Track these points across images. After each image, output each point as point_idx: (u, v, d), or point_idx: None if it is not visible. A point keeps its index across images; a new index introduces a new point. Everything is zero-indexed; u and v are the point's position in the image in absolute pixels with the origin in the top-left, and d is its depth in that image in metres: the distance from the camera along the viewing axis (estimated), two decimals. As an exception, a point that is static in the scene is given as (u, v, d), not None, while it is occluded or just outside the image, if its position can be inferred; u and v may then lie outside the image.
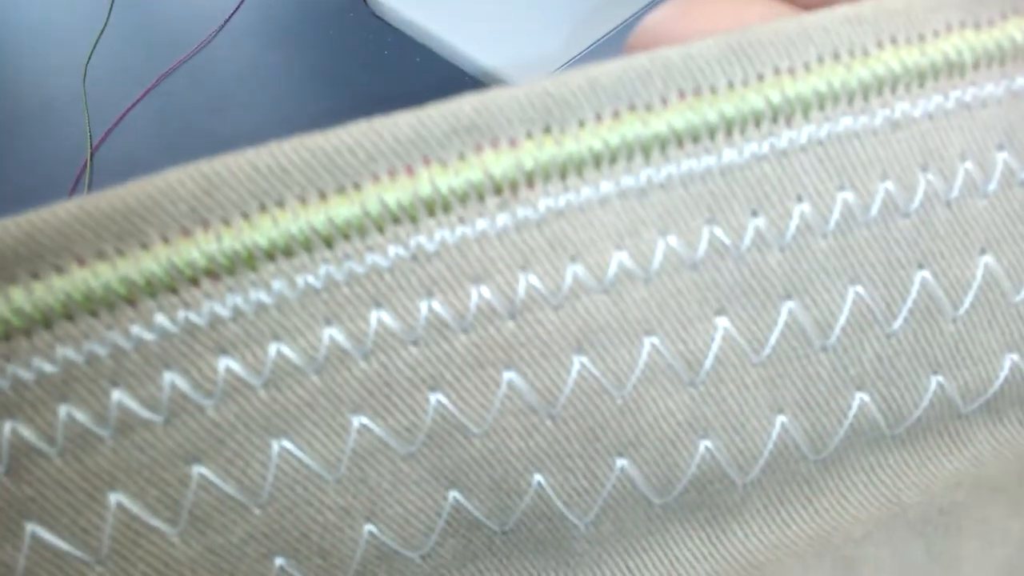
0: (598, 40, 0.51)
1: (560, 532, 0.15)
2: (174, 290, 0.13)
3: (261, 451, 0.14)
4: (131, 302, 0.13)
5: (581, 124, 0.14)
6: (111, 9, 0.45)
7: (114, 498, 0.13)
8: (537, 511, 0.15)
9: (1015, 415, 0.16)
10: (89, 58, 0.42)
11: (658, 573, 0.16)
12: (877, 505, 0.16)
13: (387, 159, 0.13)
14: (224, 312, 0.13)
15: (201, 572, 0.14)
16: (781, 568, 0.16)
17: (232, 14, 0.46)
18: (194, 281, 0.13)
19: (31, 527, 0.13)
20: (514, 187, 0.14)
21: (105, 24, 0.44)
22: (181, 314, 0.13)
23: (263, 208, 0.13)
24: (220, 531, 0.14)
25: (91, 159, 0.37)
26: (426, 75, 0.49)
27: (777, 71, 0.14)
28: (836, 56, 0.15)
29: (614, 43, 0.51)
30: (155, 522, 0.14)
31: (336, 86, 0.46)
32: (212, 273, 0.13)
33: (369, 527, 0.15)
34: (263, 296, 0.13)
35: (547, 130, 0.14)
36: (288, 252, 0.13)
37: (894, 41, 0.15)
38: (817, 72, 0.15)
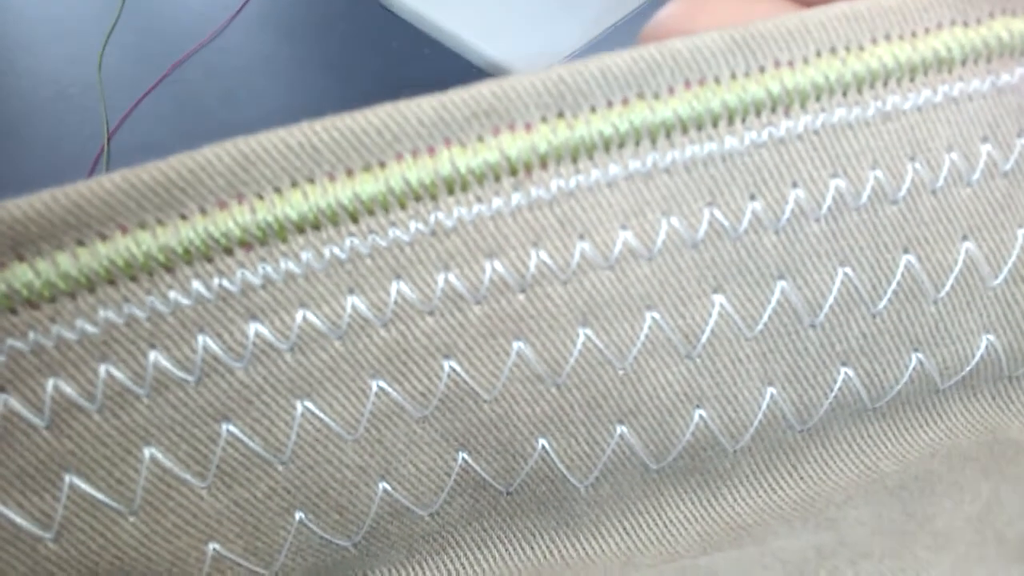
0: (602, 33, 0.52)
1: (561, 494, 0.16)
2: (209, 259, 0.14)
3: (286, 411, 0.15)
4: (169, 269, 0.14)
5: (593, 110, 0.15)
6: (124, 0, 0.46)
7: (148, 452, 0.14)
8: (540, 473, 0.16)
9: (988, 391, 0.17)
10: (104, 48, 0.43)
11: (652, 534, 0.17)
12: (857, 472, 0.17)
13: (411, 140, 0.14)
14: (255, 280, 0.14)
15: (227, 524, 0.15)
16: (767, 530, 0.17)
17: (244, 5, 0.47)
18: (228, 251, 0.14)
19: (70, 478, 0.14)
20: (528, 168, 0.15)
21: (119, 14, 0.45)
22: (216, 281, 0.14)
23: (294, 183, 0.14)
24: (245, 485, 0.15)
25: (108, 145, 0.38)
26: (433, 65, 0.49)
27: (777, 64, 0.15)
28: (833, 50, 0.15)
29: (618, 36, 0.52)
30: (186, 476, 0.15)
31: (346, 76, 0.47)
32: (245, 243, 0.14)
33: (383, 485, 0.16)
34: (292, 266, 0.14)
35: (560, 115, 0.15)
36: (316, 225, 0.14)
37: (887, 37, 0.16)
38: (815, 65, 0.15)
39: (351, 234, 0.14)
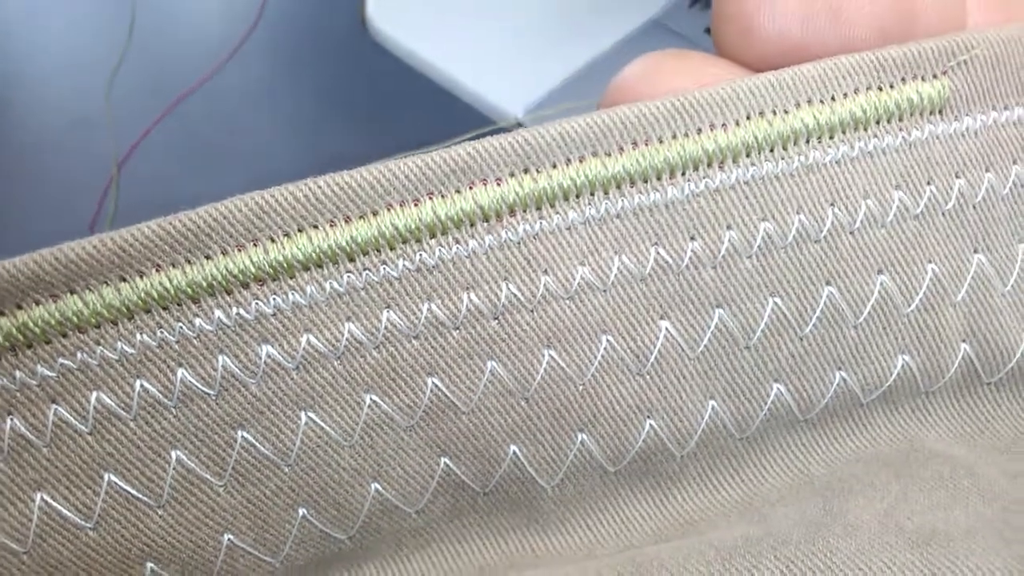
0: (579, 70, 0.54)
1: (531, 494, 0.19)
2: (229, 291, 0.16)
3: (292, 421, 0.17)
4: (195, 300, 0.16)
5: (554, 166, 0.17)
6: (131, 34, 0.48)
7: (175, 455, 0.17)
8: (512, 476, 0.18)
9: (908, 405, 0.20)
10: (112, 80, 0.46)
11: (611, 530, 0.19)
12: (790, 476, 0.19)
13: (399, 192, 0.17)
14: (267, 309, 0.17)
15: (240, 517, 0.17)
16: (711, 524, 0.19)
17: (245, 39, 0.49)
18: (245, 285, 0.16)
19: (108, 476, 0.17)
20: (499, 215, 0.17)
21: (125, 49, 0.47)
22: (234, 310, 0.16)
23: (301, 229, 0.16)
24: (256, 484, 0.17)
25: (117, 174, 0.40)
26: (421, 96, 0.52)
27: (712, 126, 0.18)
28: (761, 113, 0.18)
29: (595, 72, 0.54)
30: (206, 475, 0.17)
31: (339, 107, 0.49)
32: (260, 279, 0.16)
33: (376, 485, 0.18)
34: (298, 297, 0.17)
35: (526, 170, 0.17)
36: (319, 264, 0.17)
37: (809, 102, 0.18)
38: (744, 127, 0.18)
39: (348, 271, 0.17)
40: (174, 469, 0.17)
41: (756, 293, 0.18)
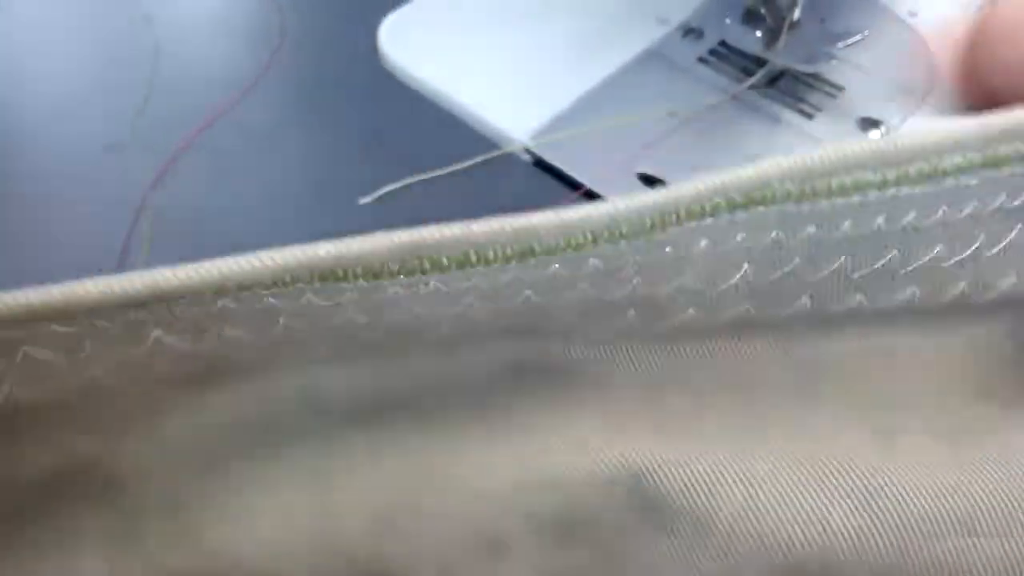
0: (585, 94, 0.56)
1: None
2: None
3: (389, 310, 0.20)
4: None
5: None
6: (155, 64, 0.49)
7: (283, 320, 0.20)
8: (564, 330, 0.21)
9: (904, 320, 0.22)
10: (142, 110, 0.46)
11: (632, 368, 0.22)
12: (778, 355, 0.22)
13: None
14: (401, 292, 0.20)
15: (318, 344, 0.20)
16: (713, 394, 0.22)
17: (269, 65, 0.51)
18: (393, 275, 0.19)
19: (156, 333, 0.20)
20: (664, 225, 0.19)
21: (151, 79, 0.48)
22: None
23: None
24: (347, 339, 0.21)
25: (152, 195, 0.41)
26: (431, 122, 0.53)
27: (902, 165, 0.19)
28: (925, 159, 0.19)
29: (599, 97, 0.56)
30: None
31: (356, 134, 0.50)
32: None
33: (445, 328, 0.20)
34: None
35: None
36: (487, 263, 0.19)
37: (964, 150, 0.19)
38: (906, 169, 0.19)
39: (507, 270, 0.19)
40: (282, 326, 0.20)
41: (834, 253, 0.20)
